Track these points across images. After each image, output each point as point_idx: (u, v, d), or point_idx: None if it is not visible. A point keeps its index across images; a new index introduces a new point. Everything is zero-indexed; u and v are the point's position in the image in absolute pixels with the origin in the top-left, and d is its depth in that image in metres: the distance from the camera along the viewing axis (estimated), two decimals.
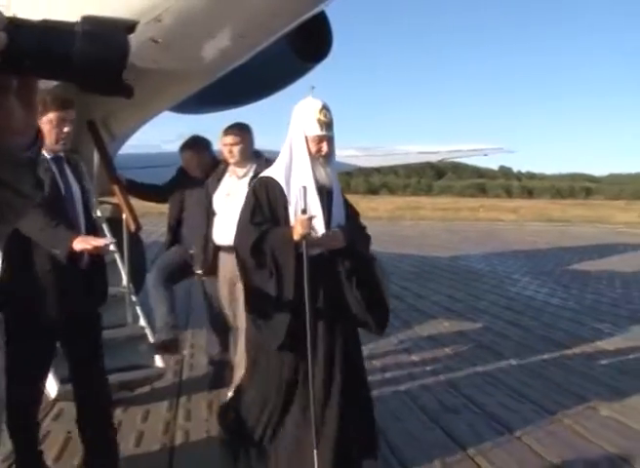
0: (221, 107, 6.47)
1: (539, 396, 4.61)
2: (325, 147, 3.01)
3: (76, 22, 0.78)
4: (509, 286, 10.08)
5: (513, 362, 5.53)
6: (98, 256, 2.93)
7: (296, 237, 2.89)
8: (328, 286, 2.93)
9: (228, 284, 4.04)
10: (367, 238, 3.15)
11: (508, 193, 59.64)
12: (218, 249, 4.09)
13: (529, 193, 60.21)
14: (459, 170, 68.36)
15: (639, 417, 4.22)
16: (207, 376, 4.77)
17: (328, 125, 3.02)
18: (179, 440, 3.70)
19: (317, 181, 3.01)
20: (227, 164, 4.15)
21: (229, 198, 4.01)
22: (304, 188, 2.86)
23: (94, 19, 0.79)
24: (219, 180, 4.17)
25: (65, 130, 2.80)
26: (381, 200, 40.53)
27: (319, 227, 2.94)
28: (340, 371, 2.91)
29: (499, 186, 63.64)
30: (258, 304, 2.97)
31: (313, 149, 3.01)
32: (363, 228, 3.19)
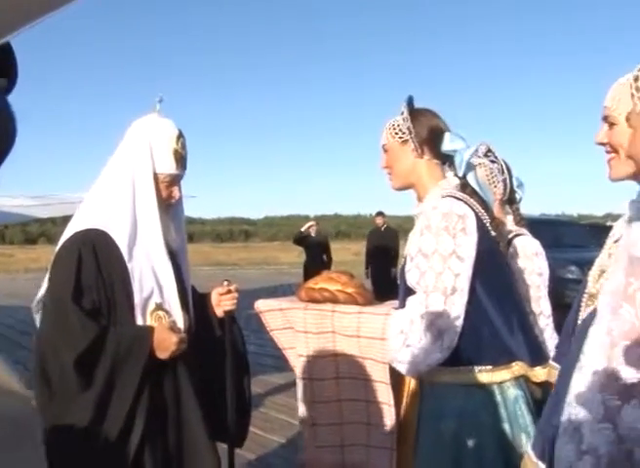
0: None
1: None
2: (177, 192, 2.24)
3: None
4: None
5: None
6: None
7: (219, 313, 2.31)
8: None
9: None
10: None
11: None
12: None
13: (190, 238, 61.36)
14: None
15: None
16: None
17: (184, 160, 2.25)
18: None
19: (167, 243, 2.21)
20: None
21: None
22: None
23: None
24: None
25: None
26: (41, 250, 37.58)
27: (174, 305, 2.19)
28: None
29: None
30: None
31: (164, 193, 2.20)
32: None
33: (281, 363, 7.58)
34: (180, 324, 2.17)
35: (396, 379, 2.10)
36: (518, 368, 1.99)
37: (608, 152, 1.48)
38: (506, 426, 1.97)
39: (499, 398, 1.99)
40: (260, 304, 2.33)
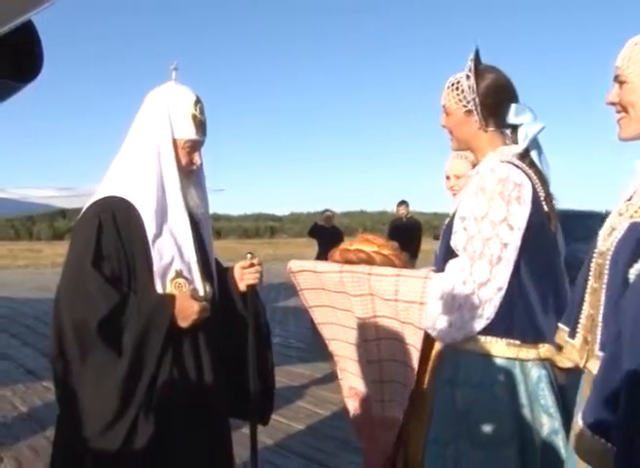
0: None
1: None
2: (198, 158, 2.18)
3: None
4: None
5: None
6: None
7: (242, 287, 2.24)
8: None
9: None
10: None
11: None
12: None
13: (217, 234, 61.71)
14: None
15: None
16: None
17: (204, 125, 2.19)
18: None
19: (190, 211, 2.16)
20: None
21: None
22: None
23: None
24: None
25: None
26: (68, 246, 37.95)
27: (195, 273, 2.13)
28: None
29: None
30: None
31: (184, 160, 2.15)
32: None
33: (305, 354, 7.57)
34: (201, 292, 2.12)
35: (425, 342, 2.03)
36: (545, 350, 1.91)
37: (618, 112, 1.48)
38: (525, 405, 1.89)
39: (519, 376, 1.92)
40: (294, 264, 2.27)
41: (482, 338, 1.93)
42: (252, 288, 2.27)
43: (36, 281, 17.97)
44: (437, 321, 1.90)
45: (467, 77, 2.01)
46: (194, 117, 2.12)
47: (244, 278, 2.27)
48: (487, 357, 1.93)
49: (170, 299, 2.00)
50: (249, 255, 2.30)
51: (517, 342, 1.91)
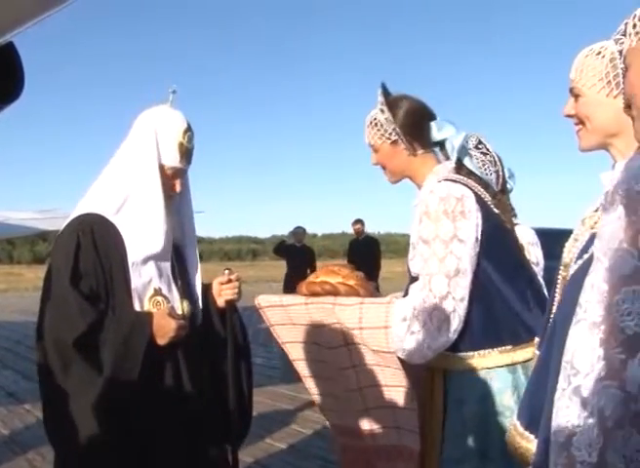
0: None
1: None
2: (178, 186, 2.18)
3: None
4: None
5: None
6: None
7: (220, 303, 2.25)
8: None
9: None
10: None
11: None
12: None
13: (199, 256, 61.06)
14: None
15: None
16: None
17: (190, 154, 2.20)
18: None
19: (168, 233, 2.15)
20: None
21: None
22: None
23: None
24: None
25: None
26: None
27: (173, 291, 2.17)
28: None
29: None
30: None
31: (166, 185, 2.15)
32: None
33: (288, 375, 7.57)
34: (179, 310, 2.15)
35: (418, 372, 2.06)
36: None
37: (576, 124, 1.49)
38: None
39: (522, 378, 1.93)
40: (262, 299, 2.30)
41: (475, 354, 1.96)
42: (230, 303, 2.30)
43: (17, 304, 17.81)
44: (404, 341, 1.92)
45: (382, 111, 2.09)
46: (181, 145, 2.13)
47: (222, 294, 2.28)
48: (486, 370, 1.95)
49: (148, 317, 2.03)
50: (226, 272, 2.32)
51: (509, 347, 1.94)
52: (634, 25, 1.13)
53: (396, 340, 1.94)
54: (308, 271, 9.30)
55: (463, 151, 2.09)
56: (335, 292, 2.14)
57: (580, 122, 1.47)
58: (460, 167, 2.07)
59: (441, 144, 2.12)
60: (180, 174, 2.17)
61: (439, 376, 2.06)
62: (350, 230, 10.67)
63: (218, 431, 2.25)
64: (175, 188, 2.16)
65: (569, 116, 1.50)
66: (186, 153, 2.15)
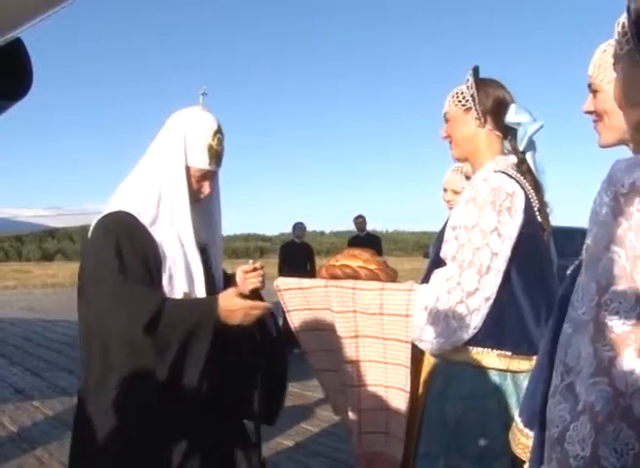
0: None
1: None
2: (207, 188, 2.16)
3: None
4: None
5: None
6: None
7: (246, 291, 2.18)
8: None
9: None
10: None
11: None
12: None
13: None
14: None
15: None
16: None
17: (219, 157, 2.16)
18: None
19: (196, 235, 2.12)
20: None
21: None
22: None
23: None
24: None
25: None
26: (58, 267, 37.82)
27: (200, 295, 2.13)
28: None
29: None
30: None
31: (194, 187, 2.13)
32: None
33: (296, 371, 7.56)
34: None
35: (415, 356, 2.03)
36: None
37: (594, 120, 1.48)
38: None
39: (511, 387, 1.90)
40: (280, 282, 2.27)
41: (473, 349, 1.92)
42: (255, 291, 2.27)
43: (25, 301, 17.86)
44: (423, 332, 1.90)
45: (467, 80, 2.08)
46: (210, 147, 2.12)
47: (247, 282, 2.25)
48: (478, 368, 1.91)
49: (214, 300, 2.03)
50: (251, 261, 2.30)
51: (508, 353, 1.90)
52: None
53: (416, 330, 1.92)
54: (307, 266, 9.70)
55: (532, 144, 2.04)
56: (355, 276, 2.10)
57: (599, 118, 1.46)
58: (521, 162, 2.02)
59: (512, 135, 2.07)
60: (210, 176, 2.16)
61: (429, 361, 2.04)
62: None
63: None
64: (202, 190, 2.15)
65: (588, 113, 1.49)
66: (216, 155, 2.14)
